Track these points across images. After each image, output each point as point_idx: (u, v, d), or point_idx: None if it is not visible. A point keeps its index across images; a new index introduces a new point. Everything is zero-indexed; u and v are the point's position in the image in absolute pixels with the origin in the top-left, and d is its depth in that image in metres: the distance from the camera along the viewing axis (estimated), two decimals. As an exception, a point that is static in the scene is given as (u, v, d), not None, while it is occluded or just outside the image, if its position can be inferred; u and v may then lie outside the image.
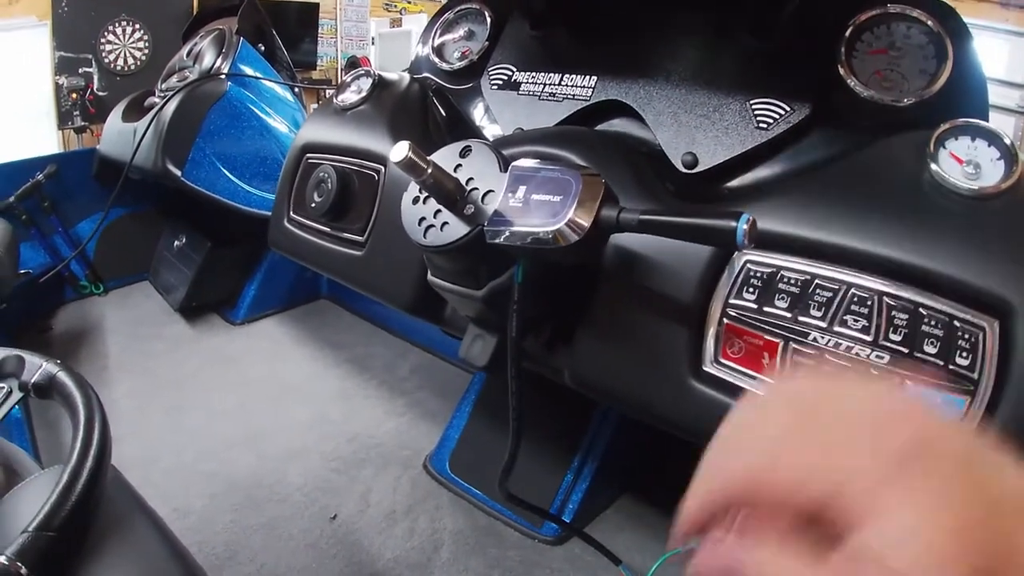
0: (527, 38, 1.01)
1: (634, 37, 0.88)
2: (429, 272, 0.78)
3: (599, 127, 0.93)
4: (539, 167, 0.61)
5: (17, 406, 0.78)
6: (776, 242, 0.60)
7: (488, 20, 1.07)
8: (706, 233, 0.51)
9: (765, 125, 0.73)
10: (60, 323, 2.23)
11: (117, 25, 2.85)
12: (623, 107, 0.87)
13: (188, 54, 1.99)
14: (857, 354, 0.54)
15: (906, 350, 0.53)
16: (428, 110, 1.11)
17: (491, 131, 1.04)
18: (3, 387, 0.69)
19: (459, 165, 0.67)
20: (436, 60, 1.13)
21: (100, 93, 2.87)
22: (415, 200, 0.70)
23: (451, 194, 0.65)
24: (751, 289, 0.60)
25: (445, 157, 0.69)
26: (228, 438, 1.61)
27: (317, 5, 4.25)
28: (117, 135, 2.08)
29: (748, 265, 0.61)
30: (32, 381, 0.69)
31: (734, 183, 0.77)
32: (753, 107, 0.75)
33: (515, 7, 1.04)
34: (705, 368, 0.62)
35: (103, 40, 2.84)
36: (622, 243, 0.68)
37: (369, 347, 2.09)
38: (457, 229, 0.65)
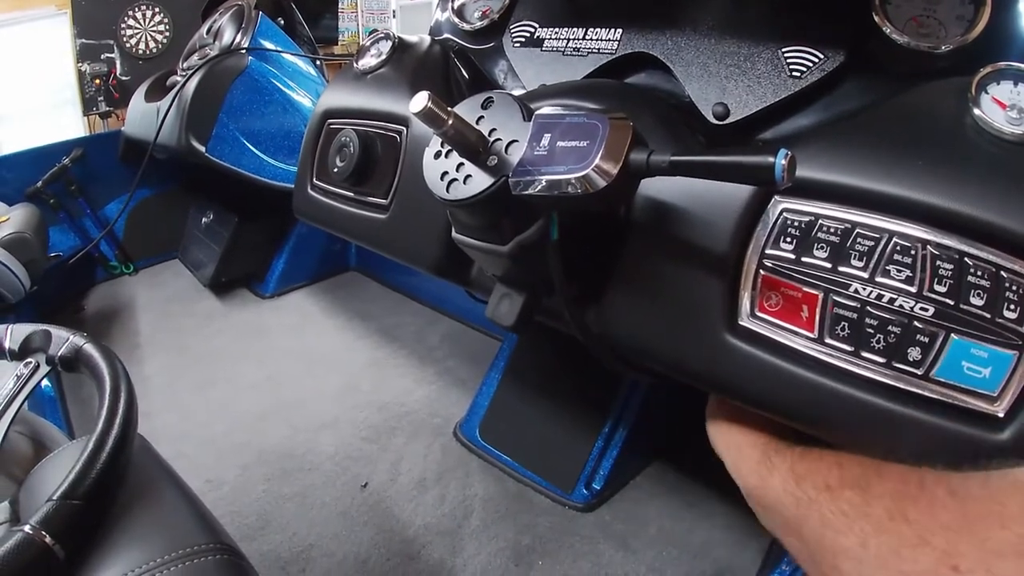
0: (548, -7, 0.98)
1: None
2: (453, 229, 0.76)
3: (630, 80, 0.89)
4: (564, 113, 0.59)
5: (50, 384, 0.79)
6: (814, 189, 0.57)
7: (507, -24, 1.03)
8: (742, 171, 0.48)
9: (798, 73, 0.69)
10: (92, 303, 2.29)
11: (136, 10, 2.86)
12: (650, 60, 0.83)
13: (208, 31, 1.98)
14: (901, 306, 0.51)
15: (951, 302, 0.50)
16: (450, 71, 1.08)
17: (515, 90, 1.01)
18: (31, 362, 0.70)
19: (481, 117, 0.65)
20: (456, 21, 1.11)
21: (123, 78, 2.88)
22: (437, 155, 0.68)
23: (473, 146, 0.63)
24: (788, 239, 0.57)
25: (467, 109, 0.66)
26: (259, 410, 1.64)
27: None
28: (140, 116, 2.10)
29: (785, 213, 0.58)
30: (59, 355, 0.70)
31: (767, 134, 0.73)
32: (785, 55, 0.71)
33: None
34: (741, 322, 0.60)
35: (123, 25, 2.85)
36: (652, 194, 0.66)
37: (398, 317, 2.10)
38: (481, 181, 0.63)
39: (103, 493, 0.55)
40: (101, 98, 2.91)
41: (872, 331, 0.52)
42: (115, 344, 2.00)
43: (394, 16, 4.80)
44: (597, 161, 0.53)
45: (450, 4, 1.13)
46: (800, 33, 0.70)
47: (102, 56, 2.89)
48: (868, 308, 0.52)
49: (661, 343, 0.65)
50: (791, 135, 0.71)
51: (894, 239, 0.52)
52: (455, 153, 0.65)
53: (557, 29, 0.95)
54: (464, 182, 0.64)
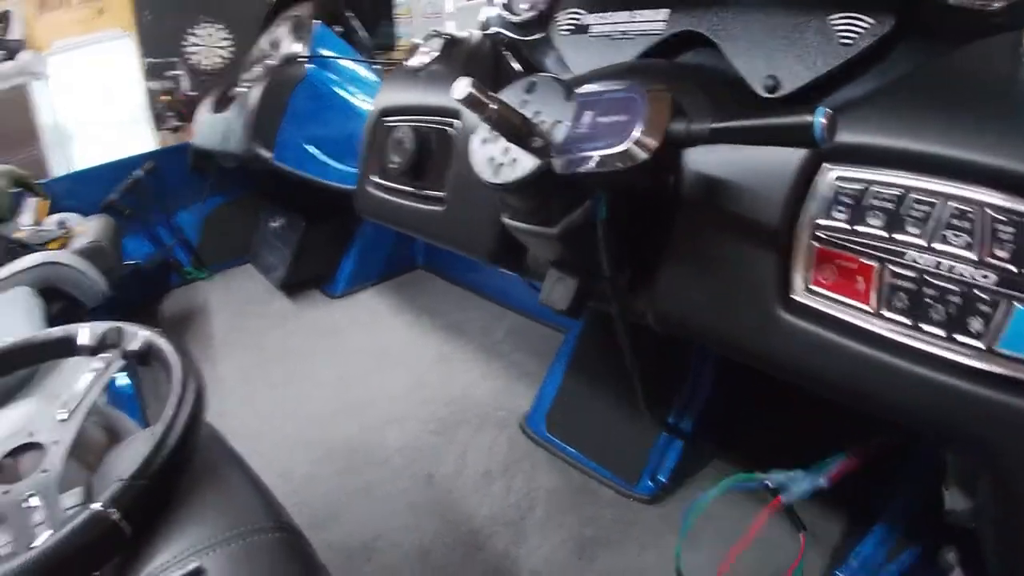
0: (594, -21, 0.98)
1: None
2: (503, 215, 0.77)
3: (680, 59, 0.88)
4: (603, 89, 0.59)
5: (129, 380, 0.84)
6: (865, 154, 0.54)
7: (553, -34, 1.04)
8: (781, 132, 0.47)
9: (848, 41, 0.66)
10: (168, 308, 2.43)
11: (199, 27, 3.01)
12: (699, 38, 0.82)
13: (267, 43, 2.08)
14: (960, 275, 0.48)
15: (1015, 268, 0.46)
16: (499, 63, 1.10)
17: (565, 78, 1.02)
18: (106, 357, 0.74)
19: (526, 100, 0.66)
20: (505, 14, 1.12)
21: (190, 93, 3.04)
22: (484, 141, 0.70)
23: (518, 129, 0.64)
24: (841, 207, 0.55)
25: (511, 94, 0.68)
26: (330, 407, 1.70)
27: None
28: (208, 127, 2.21)
29: (837, 181, 0.56)
30: (132, 349, 0.74)
31: (824, 104, 0.71)
32: (833, 23, 0.68)
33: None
34: (795, 297, 0.58)
35: (187, 43, 3.01)
36: (700, 168, 0.65)
37: (465, 312, 2.13)
38: (526, 163, 0.64)
39: (170, 474, 0.58)
40: (171, 114, 3.08)
41: (931, 302, 0.50)
42: (191, 345, 2.13)
43: (448, 18, 4.87)
44: (637, 134, 0.53)
45: (499, -3, 1.14)
46: (848, 0, 0.67)
47: (168, 74, 3.07)
48: (926, 278, 0.50)
49: (714, 322, 0.64)
50: (843, 104, 0.68)
51: (951, 203, 0.49)
52: (502, 138, 0.66)
53: (603, 14, 0.95)
54: (511, 165, 0.65)
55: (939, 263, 0.49)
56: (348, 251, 2.29)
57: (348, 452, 1.52)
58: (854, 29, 0.67)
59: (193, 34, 3.01)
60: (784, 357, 0.58)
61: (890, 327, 0.52)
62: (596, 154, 0.56)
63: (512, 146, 0.65)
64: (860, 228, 0.54)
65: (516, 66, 1.12)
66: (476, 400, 1.66)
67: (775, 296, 0.58)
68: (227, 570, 0.53)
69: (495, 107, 0.61)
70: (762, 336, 0.59)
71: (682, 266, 0.67)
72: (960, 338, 0.48)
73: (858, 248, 0.54)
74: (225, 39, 3.05)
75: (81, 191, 2.27)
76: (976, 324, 0.48)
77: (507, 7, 1.13)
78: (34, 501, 0.59)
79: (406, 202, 1.08)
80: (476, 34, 1.13)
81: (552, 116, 0.63)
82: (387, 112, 1.13)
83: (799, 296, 0.58)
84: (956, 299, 0.48)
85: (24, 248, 1.74)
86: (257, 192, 2.53)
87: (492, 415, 1.60)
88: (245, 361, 1.99)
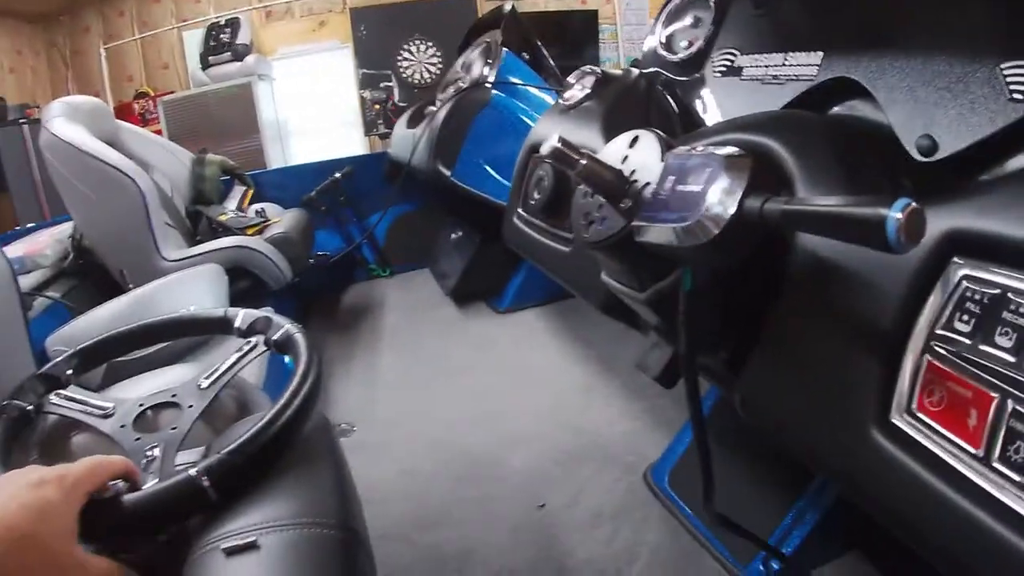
0: (750, 18, 0.90)
1: None
2: (603, 271, 0.75)
3: (834, 111, 0.78)
4: (691, 153, 0.54)
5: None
6: (1012, 251, 0.43)
7: (712, 4, 0.98)
8: (849, 225, 0.39)
9: (1021, 96, 0.53)
10: (349, 298, 2.71)
11: (412, 44, 3.31)
12: (855, 86, 0.72)
13: (461, 66, 2.22)
14: None
15: None
16: (652, 104, 1.06)
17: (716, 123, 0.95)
18: (252, 341, 0.85)
19: (626, 156, 0.64)
20: (664, 53, 1.08)
21: (400, 104, 3.35)
22: (585, 194, 0.68)
23: (612, 187, 0.62)
24: (966, 316, 0.44)
25: (615, 148, 0.66)
26: (468, 415, 1.77)
27: (596, 12, 4.34)
28: (402, 140, 2.43)
29: (965, 282, 0.45)
30: (274, 338, 0.83)
31: (988, 175, 0.58)
32: (1005, 73, 0.54)
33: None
34: (893, 419, 0.48)
35: (400, 57, 3.32)
36: (813, 246, 0.57)
37: (619, 346, 2.08)
38: (612, 224, 0.61)
39: (265, 456, 0.65)
40: (380, 121, 3.43)
41: (1059, 462, 0.38)
42: (361, 335, 2.36)
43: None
44: (704, 210, 0.48)
45: (658, 35, 1.10)
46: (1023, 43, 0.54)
47: (381, 84, 3.41)
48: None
49: (800, 426, 0.56)
50: (1016, 176, 0.55)
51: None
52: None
53: (757, 56, 0.87)
54: (600, 223, 0.63)
55: (1080, 411, 0.38)
56: (518, 269, 2.37)
57: (471, 462, 1.57)
58: None
59: (406, 49, 3.31)
60: (868, 487, 0.48)
61: (999, 482, 0.40)
62: (664, 226, 0.52)
63: (605, 203, 0.63)
64: (985, 347, 0.43)
65: (675, 107, 1.07)
66: (607, 438, 1.62)
67: (872, 412, 0.48)
68: (277, 552, 0.58)
69: (584, 163, 0.60)
70: (850, 456, 0.50)
71: (777, 355, 0.59)
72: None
73: (978, 372, 0.43)
74: (435, 56, 3.32)
75: (284, 185, 2.62)
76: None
77: (666, 46, 1.09)
78: (156, 452, 0.70)
79: (541, 238, 1.09)
80: (632, 72, 1.10)
81: (645, 176, 0.59)
82: (536, 148, 1.15)
83: (898, 419, 0.47)
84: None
85: (225, 230, 2.05)
86: (441, 205, 2.72)
87: (619, 457, 1.54)
88: (403, 359, 2.16)
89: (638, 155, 0.62)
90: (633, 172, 0.62)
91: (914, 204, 0.36)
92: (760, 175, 0.49)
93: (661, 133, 0.62)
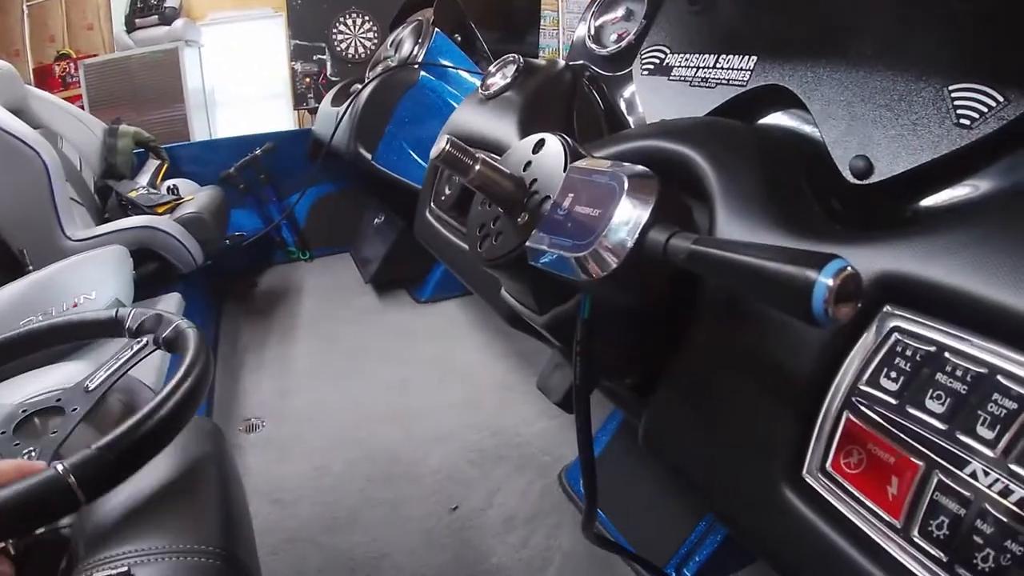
0: (684, 15, 0.84)
1: (806, 4, 0.67)
2: (502, 286, 0.68)
3: (762, 121, 0.73)
4: (593, 169, 0.47)
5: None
6: (950, 302, 0.38)
7: (645, -4, 0.92)
8: (766, 284, 0.33)
9: (968, 121, 0.49)
10: (266, 281, 2.57)
11: (348, 16, 3.14)
12: (790, 96, 0.67)
13: (391, 43, 2.10)
14: None
15: None
16: (576, 99, 0.99)
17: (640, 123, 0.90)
18: (141, 340, 0.78)
19: (529, 162, 0.56)
20: (592, 45, 1.01)
21: (333, 79, 3.19)
22: (483, 202, 0.60)
23: (509, 197, 0.54)
24: (894, 373, 0.39)
25: (517, 152, 0.58)
26: (383, 411, 1.70)
27: None
28: (326, 118, 2.29)
29: (896, 334, 0.40)
30: (163, 336, 0.76)
31: (926, 203, 0.54)
32: (952, 95, 0.51)
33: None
34: (805, 477, 0.43)
35: (335, 30, 3.15)
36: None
37: (542, 344, 2.04)
38: (508, 241, 0.54)
39: (136, 455, 0.59)
40: (311, 95, 3.25)
41: (982, 543, 0.34)
42: (276, 322, 2.24)
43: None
44: (599, 240, 0.42)
45: (588, 26, 1.04)
46: (974, 64, 0.50)
47: (314, 57, 3.23)
48: (986, 506, 0.34)
49: (704, 473, 0.51)
50: (956, 208, 0.51)
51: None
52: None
53: (688, 55, 0.81)
54: (495, 238, 0.56)
55: (1009, 490, 0.33)
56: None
57: (386, 461, 1.51)
58: (976, 105, 0.50)
59: (341, 22, 3.14)
60: (777, 548, 0.44)
61: (918, 557, 0.36)
62: (557, 253, 0.45)
63: (503, 215, 0.56)
64: (912, 410, 0.38)
65: (601, 104, 1.01)
66: (524, 438, 1.58)
67: (783, 467, 0.44)
68: None
69: (478, 168, 0.52)
70: (755, 512, 0.45)
71: (682, 393, 0.54)
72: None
73: (903, 436, 0.38)
74: (371, 31, 3.16)
75: (202, 160, 2.45)
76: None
77: (595, 37, 1.03)
78: (33, 456, 0.66)
79: (451, 236, 1.01)
80: (556, 63, 1.02)
81: (545, 188, 0.52)
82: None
83: (810, 476, 0.43)
84: (1020, 551, 0.32)
85: (135, 207, 1.89)
86: (365, 187, 2.59)
87: (535, 458, 1.51)
88: (320, 347, 2.06)
89: (542, 163, 0.55)
90: (534, 182, 0.54)
91: (850, 268, 0.30)
92: (668, 202, 0.42)
93: (567, 139, 0.54)
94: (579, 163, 0.50)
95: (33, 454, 0.66)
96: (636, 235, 0.41)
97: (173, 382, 0.64)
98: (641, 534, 1.19)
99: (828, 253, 0.31)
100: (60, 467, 0.52)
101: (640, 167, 0.45)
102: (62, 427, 0.69)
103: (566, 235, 0.45)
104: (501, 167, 0.54)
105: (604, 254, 0.42)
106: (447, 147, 0.51)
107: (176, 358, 0.72)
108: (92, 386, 0.74)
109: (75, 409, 0.72)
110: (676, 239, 0.39)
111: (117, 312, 0.83)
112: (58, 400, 0.74)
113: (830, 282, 0.30)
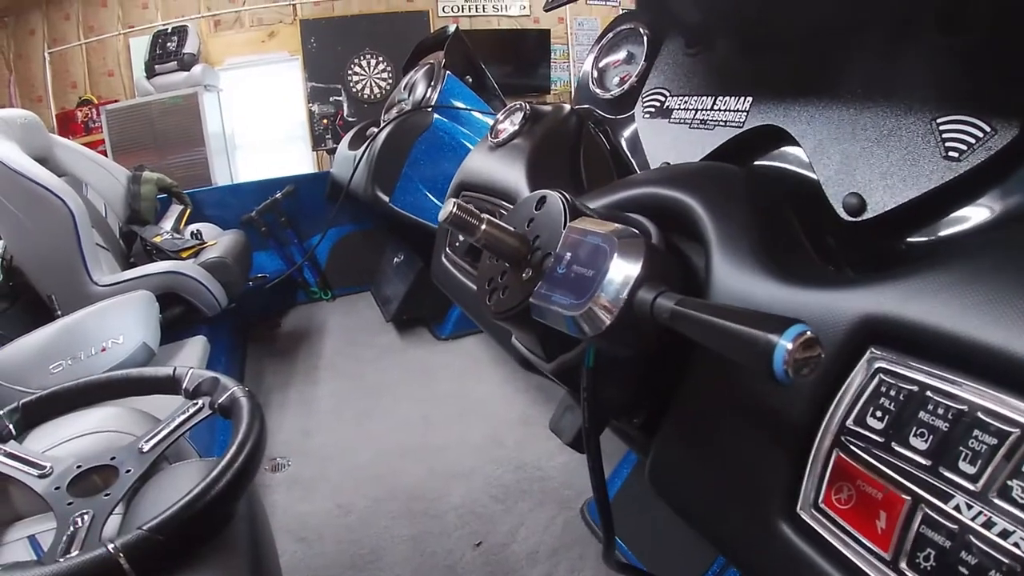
0: (682, 58, 0.88)
1: (797, 44, 0.70)
2: (512, 334, 0.71)
3: (759, 161, 0.76)
4: (588, 230, 0.50)
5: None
6: (932, 343, 0.39)
7: (645, 40, 0.95)
8: (734, 343, 0.36)
9: (956, 153, 0.51)
10: (289, 322, 2.62)
11: (362, 58, 3.23)
12: (785, 134, 0.70)
13: (404, 86, 2.17)
14: (1018, 546, 0.33)
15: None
16: (582, 144, 1.03)
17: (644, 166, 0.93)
18: (198, 403, 0.81)
19: (532, 219, 0.60)
20: (596, 89, 1.05)
21: (349, 119, 3.27)
22: (491, 256, 0.64)
23: (515, 253, 0.57)
24: (879, 413, 0.41)
25: (521, 209, 0.62)
26: (406, 448, 1.72)
27: (548, 31, 4.34)
28: (344, 161, 2.36)
29: (880, 375, 0.42)
30: (220, 402, 0.79)
31: (918, 238, 0.56)
32: (940, 127, 0.53)
33: (670, 23, 0.91)
34: (800, 512, 0.45)
35: (350, 72, 3.25)
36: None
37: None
38: (514, 296, 0.57)
39: (188, 537, 0.60)
40: (328, 136, 3.34)
41: (967, 573, 0.35)
42: (300, 362, 2.28)
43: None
44: (593, 299, 0.45)
45: (591, 69, 1.08)
46: (960, 97, 0.52)
47: (330, 99, 3.33)
48: (969, 538, 0.35)
49: (704, 509, 0.53)
50: (947, 242, 0.53)
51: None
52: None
53: (687, 97, 0.85)
54: (503, 291, 0.59)
55: (992, 522, 0.35)
56: (460, 296, 2.32)
57: (409, 498, 1.53)
58: (964, 137, 0.52)
59: (356, 63, 3.24)
60: (774, 580, 0.46)
61: (905, 589, 0.38)
62: (557, 310, 0.48)
63: (509, 270, 0.59)
64: (898, 447, 0.40)
65: (608, 147, 1.04)
66: (546, 473, 1.59)
67: (779, 504, 0.46)
68: None
69: (485, 229, 0.55)
70: (754, 546, 0.47)
71: (683, 434, 0.56)
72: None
73: (890, 473, 0.40)
74: (385, 71, 3.25)
75: (224, 204, 2.52)
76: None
77: (599, 81, 1.07)
78: (86, 519, 0.67)
79: (465, 280, 1.05)
80: (562, 108, 1.07)
81: (547, 245, 0.55)
82: (465, 186, 1.10)
83: (804, 512, 0.44)
84: (1002, 581, 0.34)
85: (159, 252, 1.96)
86: (385, 226, 2.65)
87: (557, 492, 1.51)
88: (343, 386, 2.09)
89: (543, 220, 0.58)
90: (537, 238, 0.58)
91: (809, 333, 0.33)
92: (655, 263, 0.45)
93: (567, 197, 0.58)
94: (576, 223, 0.53)
95: (86, 516, 0.67)
96: (626, 295, 0.44)
97: (227, 458, 0.65)
98: (663, 566, 1.19)
99: (789, 318, 0.34)
100: (111, 546, 0.54)
101: (630, 228, 0.48)
102: (115, 488, 0.71)
103: (566, 291, 0.48)
104: (506, 226, 0.57)
105: (598, 312, 0.45)
106: (454, 210, 0.54)
107: (228, 426, 0.75)
108: (146, 448, 0.77)
109: (129, 471, 0.74)
110: (662, 299, 0.42)
111: (175, 371, 0.86)
112: (113, 458, 0.76)
113: (789, 345, 0.33)
